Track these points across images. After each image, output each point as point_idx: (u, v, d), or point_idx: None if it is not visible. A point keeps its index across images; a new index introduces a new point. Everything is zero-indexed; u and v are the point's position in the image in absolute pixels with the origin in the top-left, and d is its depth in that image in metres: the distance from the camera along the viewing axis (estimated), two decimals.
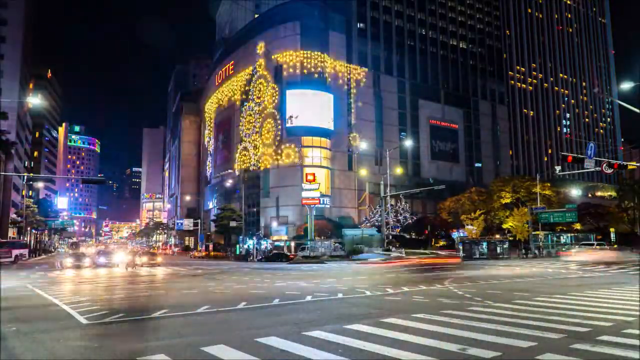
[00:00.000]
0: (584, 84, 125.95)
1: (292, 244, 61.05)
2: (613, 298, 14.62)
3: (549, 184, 68.64)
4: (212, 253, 69.24)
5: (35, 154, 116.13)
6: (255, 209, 79.72)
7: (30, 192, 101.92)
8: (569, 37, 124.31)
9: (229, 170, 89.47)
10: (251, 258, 54.97)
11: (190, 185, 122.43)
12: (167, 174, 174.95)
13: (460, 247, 50.58)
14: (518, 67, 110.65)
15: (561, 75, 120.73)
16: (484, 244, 48.65)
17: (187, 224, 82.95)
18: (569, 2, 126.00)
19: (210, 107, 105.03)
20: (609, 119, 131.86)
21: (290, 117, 73.95)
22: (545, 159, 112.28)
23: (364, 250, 53.51)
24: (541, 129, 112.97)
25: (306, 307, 13.55)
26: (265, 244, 63.49)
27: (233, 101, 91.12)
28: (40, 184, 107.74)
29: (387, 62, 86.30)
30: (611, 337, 8.80)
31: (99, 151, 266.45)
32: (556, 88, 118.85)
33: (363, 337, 8.94)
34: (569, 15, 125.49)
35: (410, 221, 67.70)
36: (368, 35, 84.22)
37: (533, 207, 57.05)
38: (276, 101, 77.64)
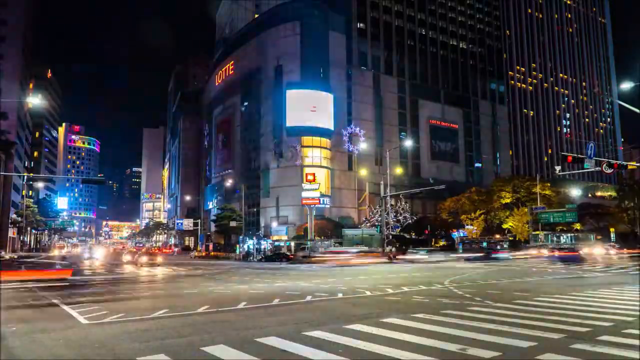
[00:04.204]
0: (584, 84, 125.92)
1: (292, 244, 60.96)
2: (613, 298, 14.61)
3: (549, 184, 68.66)
4: (212, 253, 69.21)
5: (35, 154, 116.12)
6: (255, 209, 79.71)
7: (30, 192, 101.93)
8: (569, 37, 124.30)
9: (229, 170, 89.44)
10: (251, 258, 55.00)
11: (190, 185, 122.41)
12: (167, 174, 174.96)
13: (460, 247, 50.60)
14: (518, 67, 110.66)
15: (561, 75, 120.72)
16: (484, 244, 48.74)
17: (187, 224, 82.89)
18: (569, 2, 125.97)
19: (210, 107, 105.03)
20: (609, 119, 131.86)
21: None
22: (545, 159, 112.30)
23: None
24: (541, 129, 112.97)
25: (306, 307, 13.55)
26: (265, 244, 63.35)
27: (233, 101, 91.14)
28: (40, 184, 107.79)
29: (387, 62, 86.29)
30: (611, 337, 8.79)
31: (99, 151, 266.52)
32: (556, 88, 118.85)
33: (363, 337, 8.93)
34: (569, 15, 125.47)
35: (410, 221, 67.67)
36: (368, 35, 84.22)
37: (533, 207, 57.06)
38: (276, 101, 77.64)
